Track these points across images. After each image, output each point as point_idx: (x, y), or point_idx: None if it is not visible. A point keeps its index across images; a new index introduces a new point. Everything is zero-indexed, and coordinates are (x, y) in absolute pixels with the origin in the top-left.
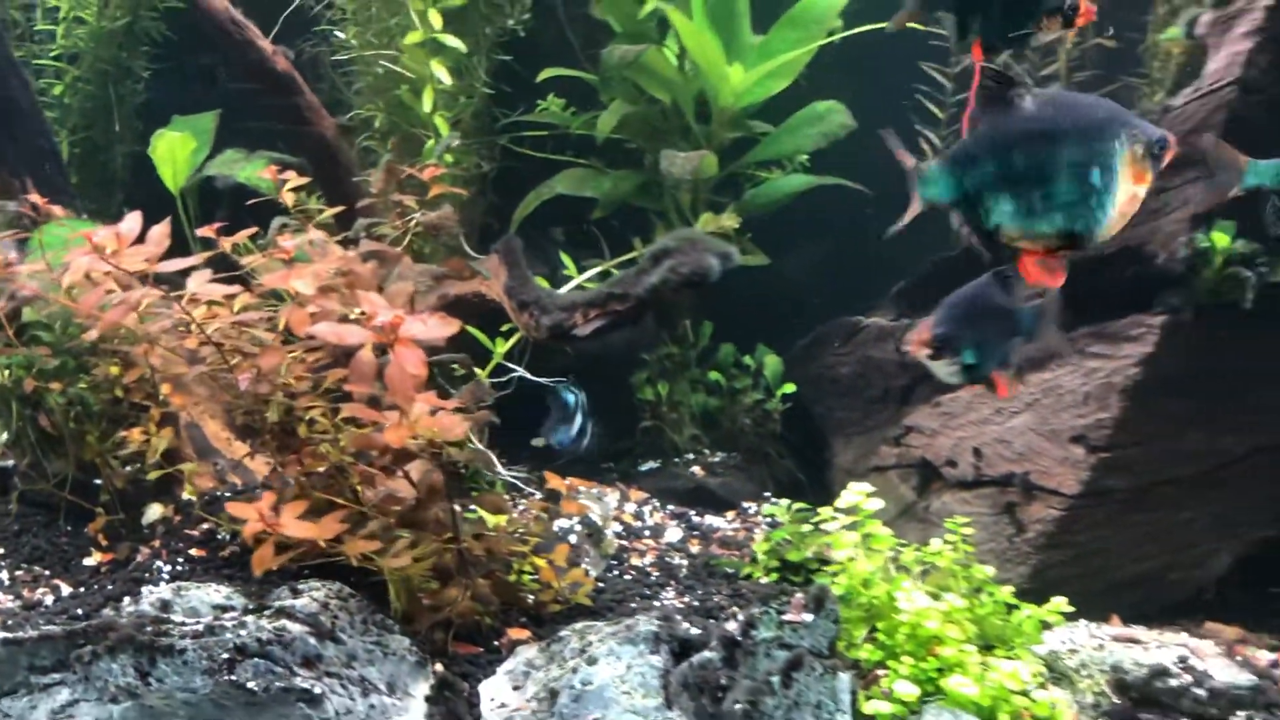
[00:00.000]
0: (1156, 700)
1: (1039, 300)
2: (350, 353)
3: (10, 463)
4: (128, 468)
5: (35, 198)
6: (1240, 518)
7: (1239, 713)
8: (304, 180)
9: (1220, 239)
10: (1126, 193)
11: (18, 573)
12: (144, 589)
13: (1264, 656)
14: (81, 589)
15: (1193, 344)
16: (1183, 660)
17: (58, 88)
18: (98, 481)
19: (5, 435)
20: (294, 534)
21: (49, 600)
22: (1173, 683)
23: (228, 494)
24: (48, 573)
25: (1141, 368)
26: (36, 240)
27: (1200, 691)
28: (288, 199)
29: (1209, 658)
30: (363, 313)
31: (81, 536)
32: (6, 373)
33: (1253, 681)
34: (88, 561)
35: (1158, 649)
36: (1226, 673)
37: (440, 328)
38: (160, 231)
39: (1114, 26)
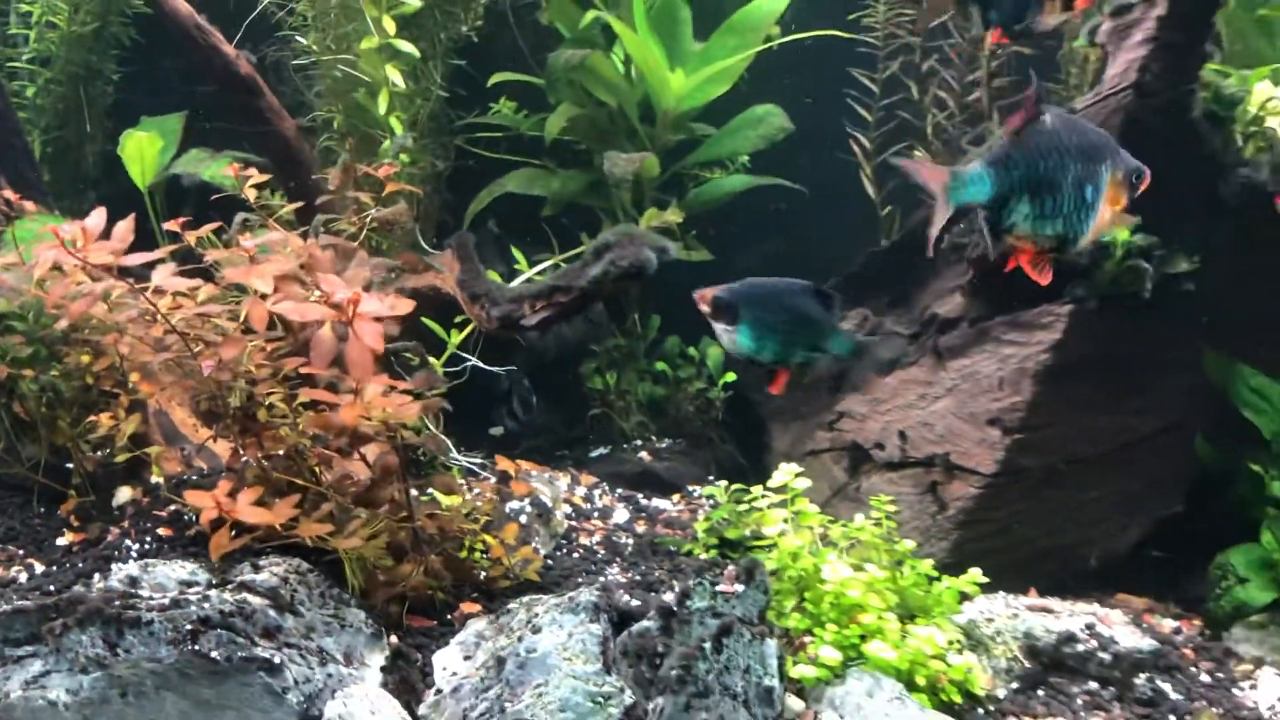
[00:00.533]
0: (1065, 664)
1: (869, 337)
2: (309, 341)
3: None
4: (98, 452)
5: (9, 194)
6: (1147, 495)
7: (1140, 674)
8: (265, 178)
9: (1120, 233)
10: (1105, 210)
11: None
12: (114, 566)
13: (1168, 624)
14: (54, 567)
15: (1098, 331)
16: (1090, 628)
17: (30, 89)
18: (69, 465)
19: None
20: (249, 519)
21: (23, 578)
22: (1080, 648)
23: (194, 477)
24: (21, 552)
25: (1051, 354)
26: (9, 235)
27: (1105, 655)
28: (250, 195)
29: (1116, 625)
30: (322, 293)
31: (54, 518)
32: None
33: (1154, 646)
34: (60, 541)
35: (1068, 617)
36: (1131, 639)
37: (396, 306)
38: (125, 227)
39: (1034, 34)
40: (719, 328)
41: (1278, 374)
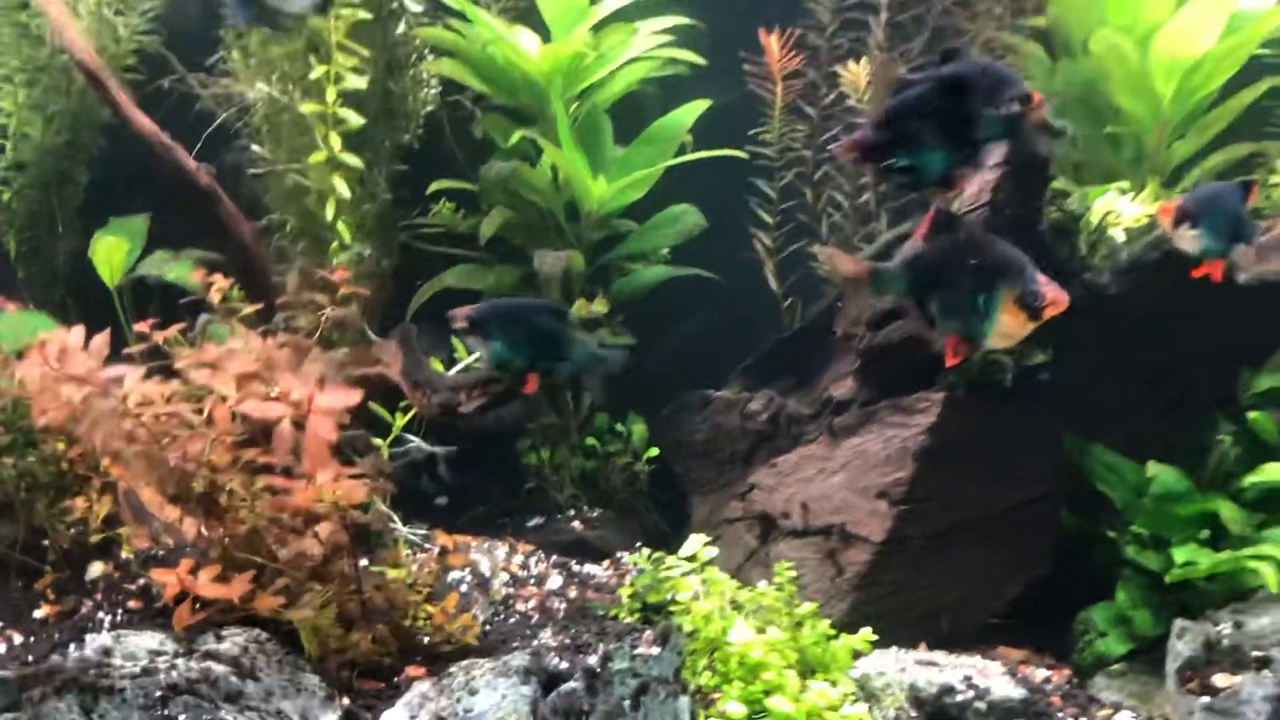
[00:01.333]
0: (946, 713)
1: (602, 350)
2: (267, 431)
3: None
4: (72, 530)
5: None
6: (1020, 558)
7: None
8: (228, 281)
9: None
10: (1006, 321)
11: None
12: (88, 637)
13: (1040, 674)
14: (32, 638)
15: (968, 415)
16: (968, 679)
17: (5, 194)
18: (44, 543)
19: None
20: (208, 594)
21: (2, 648)
22: (959, 698)
23: (161, 553)
24: (1, 623)
25: (928, 435)
26: None
27: (981, 704)
28: (214, 297)
29: (993, 676)
30: (280, 391)
31: (31, 592)
32: None
33: (1024, 695)
34: (37, 613)
35: (950, 670)
36: (1004, 688)
37: (345, 397)
38: (100, 342)
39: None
40: (473, 341)
41: (1126, 452)
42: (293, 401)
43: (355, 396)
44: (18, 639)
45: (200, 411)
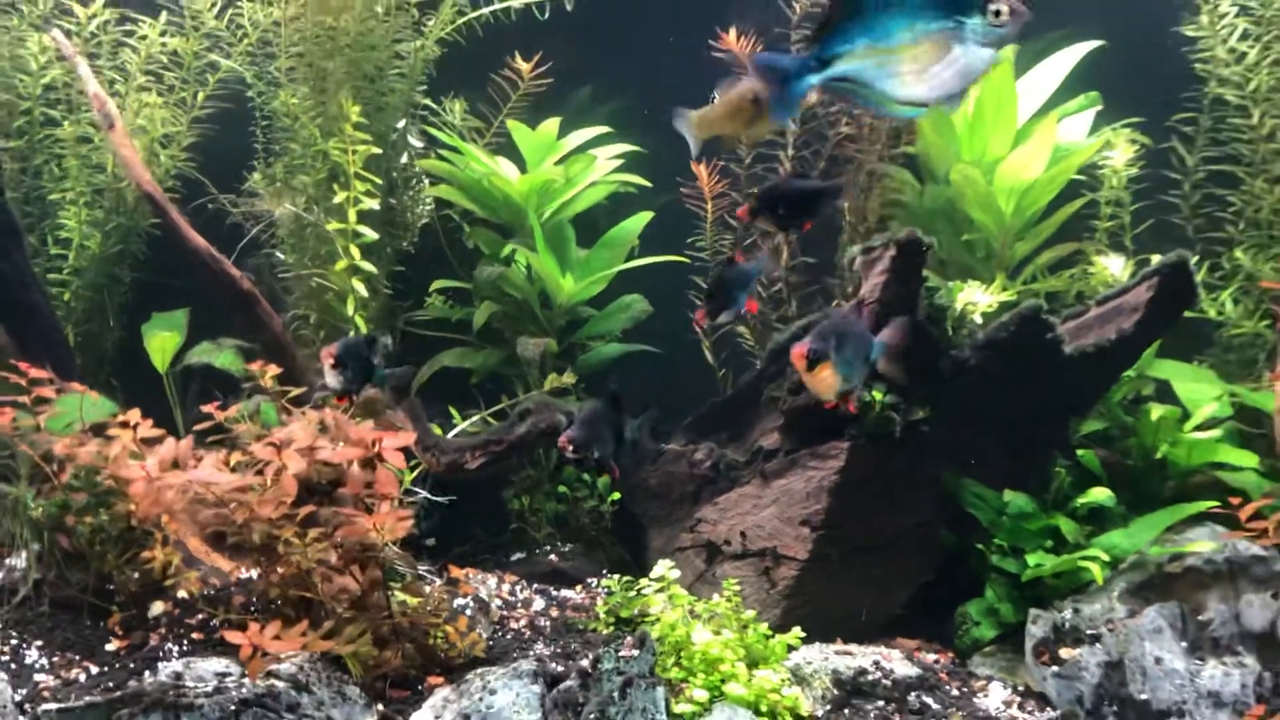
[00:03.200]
0: (861, 690)
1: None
2: (315, 491)
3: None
4: (135, 574)
5: (46, 375)
6: (911, 569)
7: (911, 693)
8: (276, 370)
9: (878, 395)
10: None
11: (54, 658)
12: (160, 665)
13: (931, 657)
14: (106, 668)
15: (868, 459)
16: (877, 663)
17: (66, 294)
18: (110, 586)
19: (28, 553)
20: (273, 649)
21: (82, 678)
22: (870, 677)
23: (209, 592)
24: (78, 657)
25: (839, 475)
26: (56, 409)
27: (887, 682)
28: (267, 382)
29: (895, 660)
30: (351, 440)
31: (101, 629)
32: (39, 510)
33: (919, 673)
34: (109, 647)
35: (862, 657)
36: (904, 669)
37: (406, 438)
38: (183, 447)
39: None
40: (332, 373)
41: (988, 483)
42: (365, 444)
43: (412, 437)
44: (94, 669)
45: (261, 474)
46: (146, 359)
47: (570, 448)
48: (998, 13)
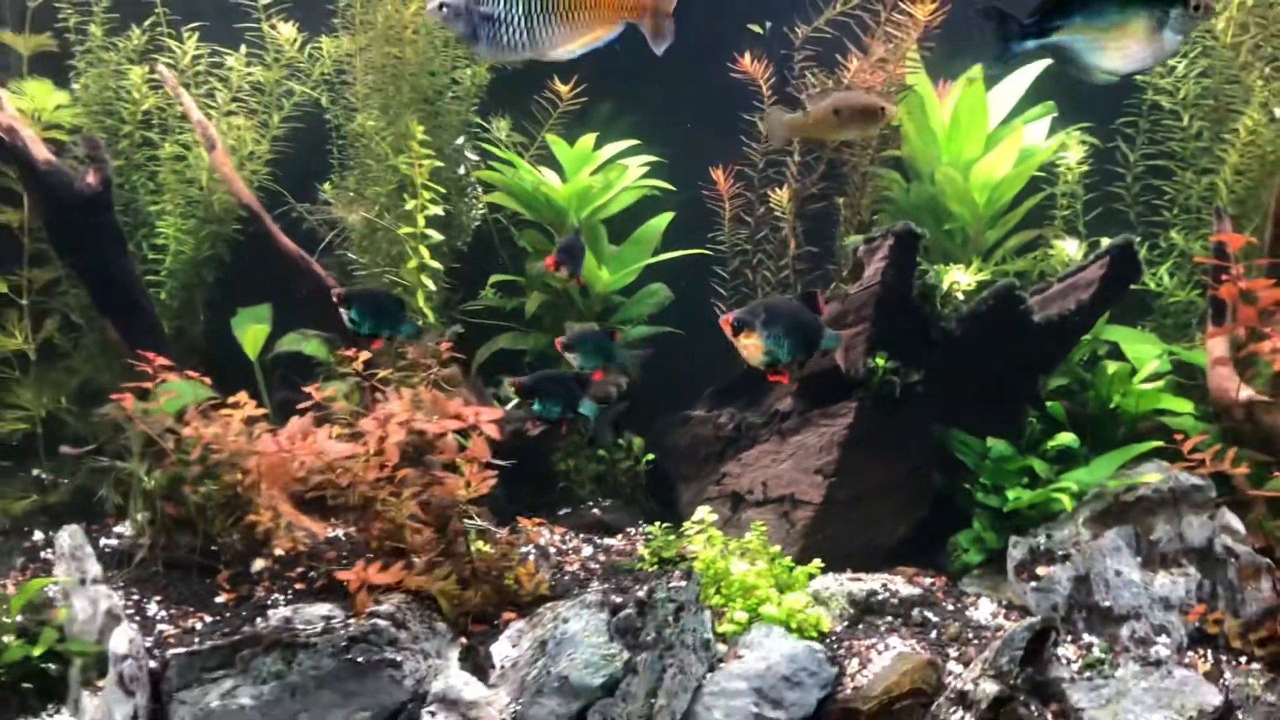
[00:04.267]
0: (872, 608)
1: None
2: (407, 457)
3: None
4: (238, 536)
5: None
6: (909, 507)
7: (914, 609)
8: (366, 355)
9: (880, 361)
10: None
11: (172, 611)
12: (269, 612)
13: (928, 580)
14: (219, 617)
15: (872, 415)
16: (884, 585)
17: (162, 294)
18: (214, 548)
19: (139, 519)
20: (379, 580)
21: (198, 627)
22: (879, 597)
23: (301, 550)
24: (192, 609)
25: (848, 430)
26: (159, 394)
27: (894, 600)
28: (358, 366)
29: (899, 583)
30: (448, 413)
31: (209, 585)
32: (153, 482)
33: (920, 593)
34: (218, 600)
35: (871, 582)
36: (908, 590)
37: (497, 413)
38: (305, 423)
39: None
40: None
41: (973, 433)
42: (462, 417)
43: (500, 413)
44: (208, 619)
45: (363, 443)
46: (229, 349)
47: (515, 389)
48: (1198, 6)
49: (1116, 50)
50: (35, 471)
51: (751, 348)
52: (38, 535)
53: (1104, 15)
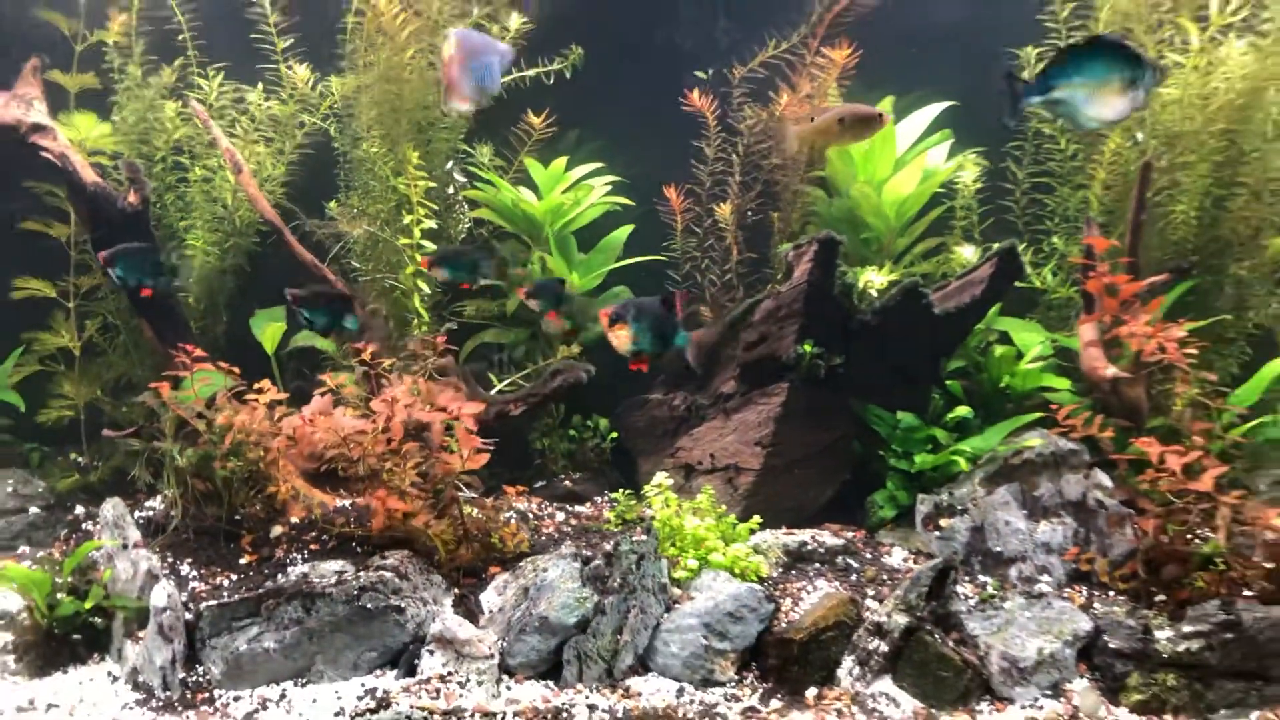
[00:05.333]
0: (803, 557)
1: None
2: (409, 433)
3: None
4: (259, 506)
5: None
6: (833, 472)
7: (838, 557)
8: (373, 348)
9: (807, 348)
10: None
11: (202, 570)
12: (289, 569)
13: (850, 534)
14: (243, 575)
15: (802, 394)
16: (814, 537)
17: (189, 298)
18: (237, 517)
19: (170, 493)
20: (396, 507)
21: (226, 583)
22: (809, 548)
23: (313, 518)
24: (220, 569)
25: (781, 407)
26: (191, 382)
27: (821, 550)
28: (366, 357)
29: (825, 536)
30: (437, 406)
31: (234, 549)
32: (185, 460)
33: (844, 543)
34: (242, 561)
35: (802, 535)
36: (832, 540)
37: (477, 408)
38: (325, 403)
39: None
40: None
41: (886, 407)
42: (447, 410)
43: (480, 406)
44: (234, 577)
45: (372, 421)
46: (247, 345)
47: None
48: (1159, 70)
49: (1101, 103)
50: (74, 457)
51: (623, 337)
52: (79, 510)
53: (1096, 76)
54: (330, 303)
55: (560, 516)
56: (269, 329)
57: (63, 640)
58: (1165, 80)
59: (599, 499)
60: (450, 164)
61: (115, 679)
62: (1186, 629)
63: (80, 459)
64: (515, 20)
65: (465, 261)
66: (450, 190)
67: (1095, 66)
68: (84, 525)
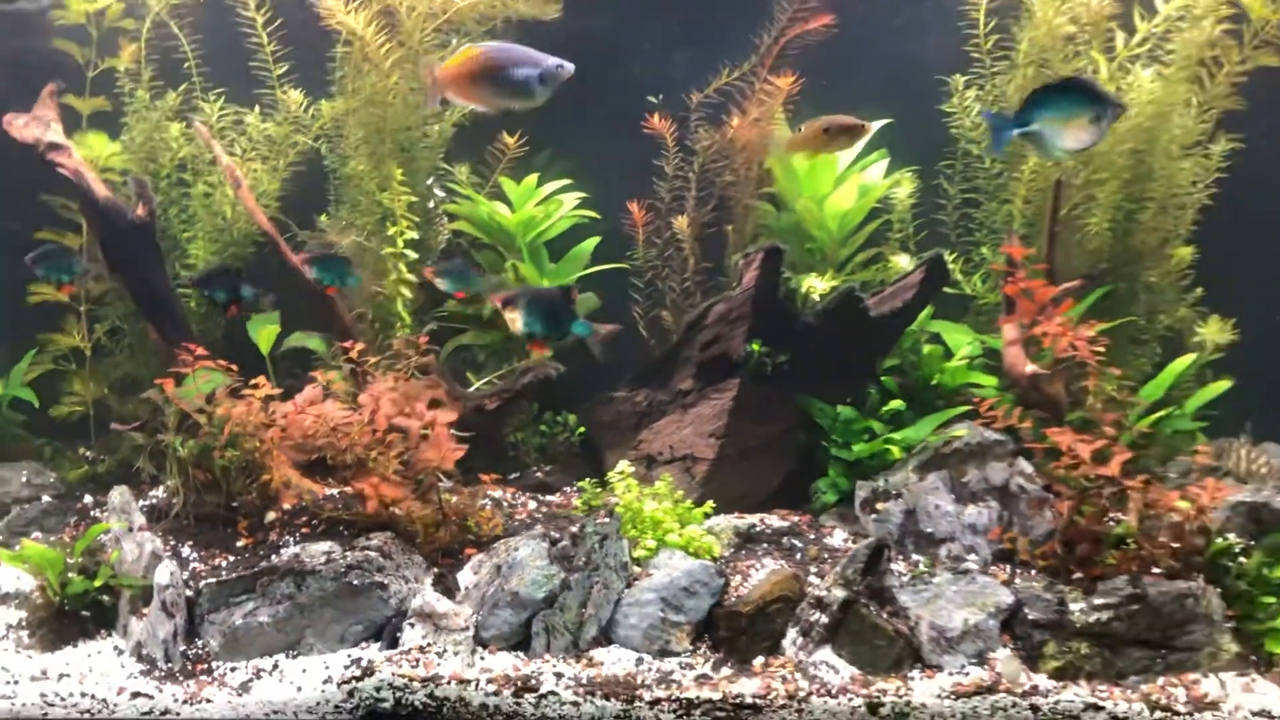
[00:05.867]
0: (752, 537)
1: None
2: (392, 426)
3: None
4: (254, 494)
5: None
6: (780, 462)
7: (784, 538)
8: (360, 345)
9: (756, 346)
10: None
11: (202, 553)
12: (282, 551)
13: (795, 518)
14: (239, 557)
15: (751, 389)
16: (762, 520)
17: (191, 302)
18: (234, 504)
19: (172, 482)
20: (385, 493)
21: (224, 564)
22: (757, 529)
23: (303, 504)
24: (218, 551)
25: (732, 402)
26: (193, 379)
27: (769, 531)
28: (353, 357)
29: (773, 520)
30: (416, 411)
31: (231, 534)
32: (186, 450)
33: (790, 525)
34: (239, 544)
35: (752, 518)
36: (779, 523)
37: (451, 414)
38: (316, 393)
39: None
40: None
41: (827, 401)
42: (424, 418)
43: (454, 414)
44: (231, 558)
45: (359, 412)
46: (243, 346)
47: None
48: (1119, 106)
49: (1069, 135)
50: (83, 450)
51: (513, 320)
52: (88, 499)
53: (1065, 112)
54: (335, 261)
55: (532, 505)
56: (264, 331)
57: (73, 616)
58: (1124, 114)
59: (568, 489)
60: (431, 180)
61: (121, 652)
62: (1097, 601)
63: (89, 452)
64: None
65: (465, 275)
66: (431, 204)
67: (1067, 103)
68: (93, 513)
